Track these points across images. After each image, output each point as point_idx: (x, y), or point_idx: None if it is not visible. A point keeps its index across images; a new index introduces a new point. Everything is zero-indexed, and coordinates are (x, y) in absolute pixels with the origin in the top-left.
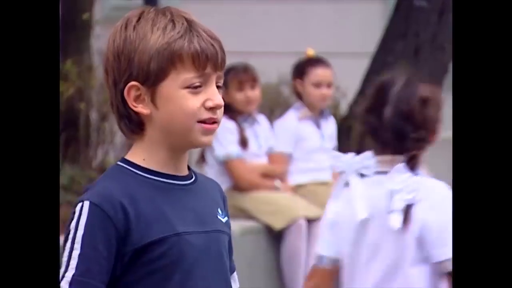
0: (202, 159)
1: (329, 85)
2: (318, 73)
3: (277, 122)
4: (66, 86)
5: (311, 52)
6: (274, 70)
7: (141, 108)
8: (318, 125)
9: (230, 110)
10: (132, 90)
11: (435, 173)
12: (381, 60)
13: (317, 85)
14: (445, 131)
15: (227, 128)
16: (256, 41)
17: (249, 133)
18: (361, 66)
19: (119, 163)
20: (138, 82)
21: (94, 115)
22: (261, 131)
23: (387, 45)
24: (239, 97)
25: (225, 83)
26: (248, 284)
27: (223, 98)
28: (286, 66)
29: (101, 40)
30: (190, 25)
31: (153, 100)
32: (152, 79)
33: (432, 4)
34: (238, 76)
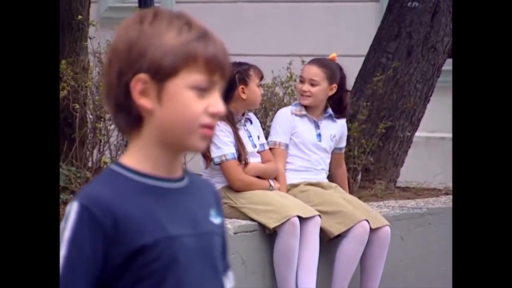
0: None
1: (310, 82)
2: (303, 70)
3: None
4: (61, 87)
5: (333, 55)
6: (268, 71)
7: (145, 102)
8: (316, 125)
9: (229, 112)
10: (139, 83)
11: (432, 172)
12: (374, 61)
13: (301, 80)
14: (443, 131)
15: (222, 130)
16: (250, 42)
17: (242, 133)
18: (354, 67)
19: (112, 166)
20: (148, 75)
21: (89, 116)
22: (254, 130)
23: (380, 46)
24: (259, 93)
25: (246, 79)
26: (242, 283)
27: (243, 92)
28: (280, 67)
29: (96, 41)
30: (205, 31)
31: (158, 96)
32: (162, 74)
33: (425, 5)
34: (259, 73)
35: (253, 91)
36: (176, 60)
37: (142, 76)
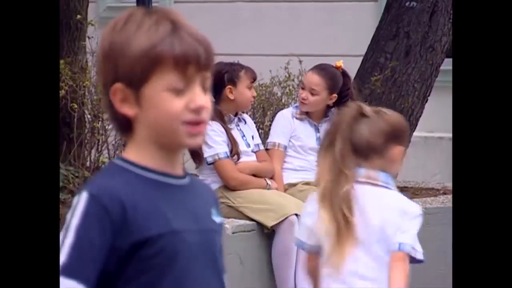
0: (196, 159)
1: (310, 91)
2: (305, 76)
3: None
4: (59, 86)
5: (339, 63)
6: (266, 70)
7: (127, 110)
8: (316, 128)
9: (218, 111)
10: (117, 92)
11: (431, 172)
12: (372, 60)
13: (302, 87)
14: (441, 131)
15: (214, 129)
16: (248, 42)
17: (235, 133)
18: (352, 67)
19: (115, 161)
20: (123, 84)
21: (87, 115)
22: (248, 130)
23: (378, 45)
24: (249, 95)
25: (235, 80)
26: (240, 282)
27: (231, 93)
28: (278, 67)
29: (94, 41)
30: (175, 27)
31: (138, 102)
32: (135, 81)
33: (423, 4)
34: (252, 74)
35: (242, 92)
36: (144, 67)
37: (118, 85)
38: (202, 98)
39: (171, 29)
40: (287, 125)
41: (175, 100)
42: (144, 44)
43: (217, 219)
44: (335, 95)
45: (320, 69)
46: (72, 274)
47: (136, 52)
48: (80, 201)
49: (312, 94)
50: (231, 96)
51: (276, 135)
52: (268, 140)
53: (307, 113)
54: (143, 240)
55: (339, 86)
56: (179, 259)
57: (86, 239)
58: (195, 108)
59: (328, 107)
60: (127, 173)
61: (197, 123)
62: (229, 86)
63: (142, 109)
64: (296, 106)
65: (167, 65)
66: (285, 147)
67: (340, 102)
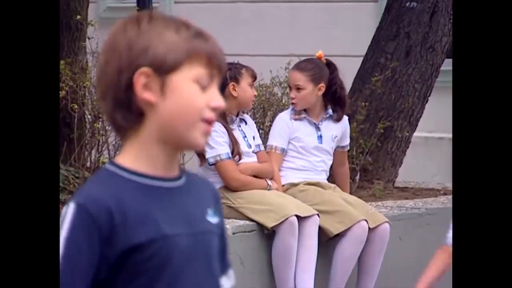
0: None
1: (296, 88)
2: (288, 77)
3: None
4: (60, 87)
5: (319, 53)
6: (266, 71)
7: (148, 95)
8: (317, 127)
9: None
10: (142, 76)
11: (431, 172)
12: (372, 61)
13: (289, 86)
14: (441, 131)
15: (216, 130)
16: (249, 42)
17: (237, 133)
18: (352, 67)
19: (107, 166)
20: (150, 69)
21: (87, 116)
22: (249, 131)
23: (379, 46)
24: (251, 93)
25: (237, 76)
26: (240, 283)
27: (234, 90)
28: (278, 67)
29: (94, 41)
30: (201, 30)
31: (161, 89)
32: (165, 68)
33: (423, 5)
34: (252, 73)
35: (245, 89)
36: (179, 54)
37: (145, 69)
38: (221, 99)
39: (200, 31)
40: (285, 128)
41: (199, 94)
42: (180, 37)
43: (214, 219)
44: (322, 84)
45: (298, 64)
46: (65, 287)
47: (172, 41)
48: (68, 213)
49: (298, 90)
50: (234, 93)
51: (274, 138)
52: (267, 143)
53: (306, 111)
54: (133, 247)
55: (324, 76)
56: (172, 263)
57: (76, 250)
58: (215, 107)
59: (325, 102)
60: (118, 179)
61: (212, 122)
62: (232, 83)
63: (165, 97)
64: (293, 108)
65: (200, 59)
66: (283, 150)
67: (330, 91)
